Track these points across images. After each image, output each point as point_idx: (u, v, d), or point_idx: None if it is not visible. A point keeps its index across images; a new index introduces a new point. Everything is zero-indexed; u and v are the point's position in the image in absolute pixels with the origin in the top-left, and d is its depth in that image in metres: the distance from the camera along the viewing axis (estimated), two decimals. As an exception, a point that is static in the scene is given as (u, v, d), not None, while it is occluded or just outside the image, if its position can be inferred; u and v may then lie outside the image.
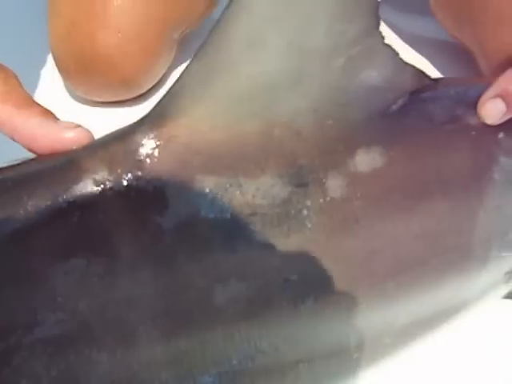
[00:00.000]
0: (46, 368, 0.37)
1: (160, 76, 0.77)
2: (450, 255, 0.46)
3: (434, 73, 0.80)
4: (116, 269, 0.39)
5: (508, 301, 0.56)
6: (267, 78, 0.41)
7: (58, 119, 0.43)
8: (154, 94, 0.78)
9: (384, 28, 0.83)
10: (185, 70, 0.41)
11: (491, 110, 0.49)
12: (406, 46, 0.84)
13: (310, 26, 0.41)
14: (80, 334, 0.37)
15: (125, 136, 0.41)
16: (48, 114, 0.43)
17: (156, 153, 0.40)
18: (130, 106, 0.76)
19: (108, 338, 0.38)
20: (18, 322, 0.37)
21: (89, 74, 0.71)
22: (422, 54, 0.83)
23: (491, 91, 0.50)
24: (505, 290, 0.54)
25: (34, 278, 0.38)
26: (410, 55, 0.81)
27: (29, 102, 0.43)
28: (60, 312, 0.37)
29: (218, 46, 0.40)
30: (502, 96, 0.49)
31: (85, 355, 0.37)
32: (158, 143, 0.40)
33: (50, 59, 0.75)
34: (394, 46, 0.81)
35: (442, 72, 0.80)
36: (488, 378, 0.54)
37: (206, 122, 0.41)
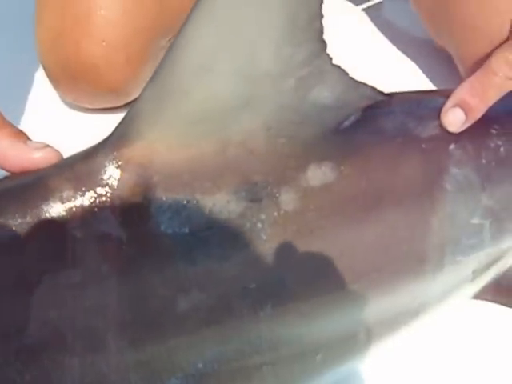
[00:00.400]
0: (20, 374, 0.39)
1: (148, 82, 0.78)
2: (404, 262, 0.48)
3: (421, 74, 0.82)
4: (84, 280, 0.41)
5: (475, 301, 0.58)
6: (219, 101, 0.43)
7: (28, 139, 0.45)
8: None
9: (375, 29, 0.86)
10: (140, 95, 0.43)
11: (452, 119, 0.51)
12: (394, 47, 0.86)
13: (258, 50, 0.42)
14: (52, 341, 0.40)
15: (89, 157, 0.43)
16: (19, 134, 0.45)
17: (117, 172, 0.43)
18: (123, 112, 0.74)
19: (79, 344, 0.40)
20: None
21: (76, 83, 0.72)
22: (408, 56, 0.85)
23: (451, 101, 0.52)
24: (472, 290, 0.56)
25: (7, 290, 0.40)
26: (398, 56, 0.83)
27: (1, 123, 0.45)
28: (33, 321, 0.40)
29: (170, 71, 0.42)
30: (460, 106, 0.51)
31: (57, 361, 0.40)
32: (119, 163, 0.43)
33: (41, 67, 0.76)
34: (388, 48, 0.83)
35: (429, 74, 0.82)
36: (454, 377, 0.56)
37: (162, 144, 0.43)
